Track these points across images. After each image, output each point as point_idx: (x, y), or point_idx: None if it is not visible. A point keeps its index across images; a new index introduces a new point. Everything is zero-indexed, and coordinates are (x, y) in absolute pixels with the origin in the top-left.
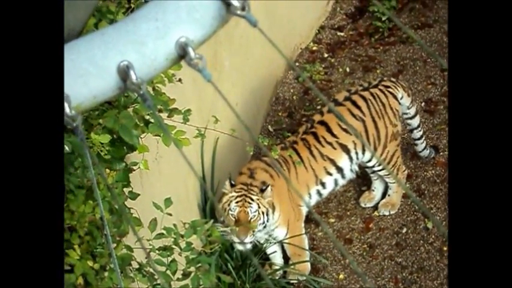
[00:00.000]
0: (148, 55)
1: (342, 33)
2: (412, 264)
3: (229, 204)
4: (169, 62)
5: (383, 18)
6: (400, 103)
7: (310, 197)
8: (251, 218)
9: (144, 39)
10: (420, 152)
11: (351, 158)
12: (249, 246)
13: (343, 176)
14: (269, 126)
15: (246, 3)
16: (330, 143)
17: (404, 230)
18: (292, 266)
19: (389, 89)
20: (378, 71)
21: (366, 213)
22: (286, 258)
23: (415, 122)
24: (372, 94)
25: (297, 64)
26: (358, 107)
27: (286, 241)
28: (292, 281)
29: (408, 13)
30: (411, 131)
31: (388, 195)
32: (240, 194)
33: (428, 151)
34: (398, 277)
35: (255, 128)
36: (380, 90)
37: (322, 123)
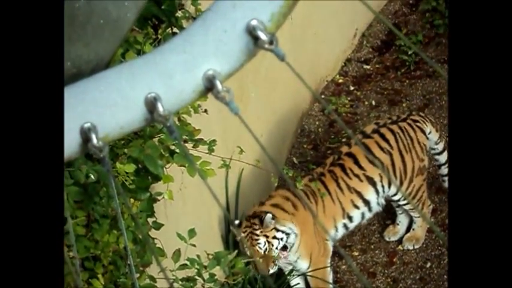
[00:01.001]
0: (175, 87)
1: (368, 66)
2: None
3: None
4: (196, 94)
5: (409, 52)
6: (428, 138)
7: (336, 230)
8: (265, 251)
9: (172, 71)
10: None
11: (377, 191)
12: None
13: (369, 210)
14: (294, 158)
15: (274, 37)
16: (357, 176)
17: (429, 264)
18: None
19: (418, 124)
20: (404, 105)
21: (390, 247)
22: None
23: (443, 158)
24: (400, 128)
25: (322, 96)
26: (386, 140)
27: (309, 273)
28: None
29: (435, 47)
30: (439, 166)
31: (413, 230)
32: (245, 233)
33: None
34: None
35: (279, 159)
36: (408, 124)
37: (350, 155)
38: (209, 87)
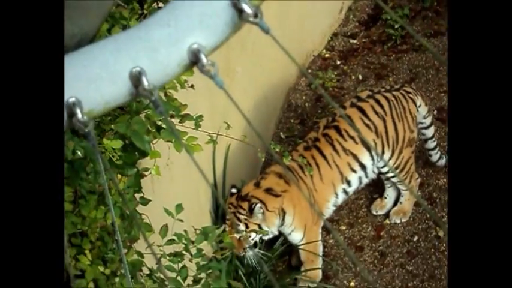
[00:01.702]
0: (160, 61)
1: (354, 41)
2: (423, 273)
3: None
4: (181, 68)
5: (396, 26)
6: (418, 110)
7: (337, 196)
8: (239, 238)
9: (157, 45)
10: (436, 162)
11: (372, 157)
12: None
13: (366, 175)
14: (281, 133)
15: (259, 10)
16: (352, 137)
17: (416, 238)
18: (303, 273)
19: (410, 95)
20: (391, 79)
21: (377, 221)
22: (296, 266)
23: (430, 132)
24: (394, 96)
25: (309, 71)
26: (381, 106)
27: (301, 246)
28: None
29: (421, 21)
30: (425, 140)
31: (400, 203)
32: (230, 210)
33: (444, 160)
34: (409, 285)
35: (266, 134)
36: (402, 94)
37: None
38: (194, 61)
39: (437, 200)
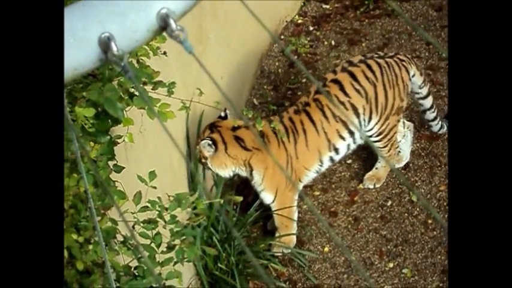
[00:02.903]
0: (129, 26)
1: (327, 6)
2: (396, 237)
3: None
4: (151, 33)
5: None
6: (410, 79)
7: (321, 164)
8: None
9: (125, 10)
10: (438, 131)
11: (360, 123)
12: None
13: (354, 141)
14: (254, 100)
15: None
16: (342, 103)
17: (389, 203)
18: (277, 239)
19: (404, 63)
20: (363, 44)
21: (350, 186)
22: (269, 231)
23: (428, 102)
24: (386, 63)
25: (282, 37)
26: (372, 71)
27: (276, 211)
28: (276, 254)
29: None
30: (424, 111)
31: (376, 169)
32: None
33: (445, 128)
34: (383, 250)
35: (240, 101)
36: (395, 61)
37: (335, 81)
38: (163, 26)
39: (411, 165)
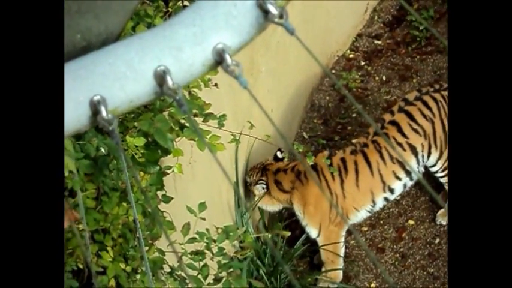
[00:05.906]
0: (185, 60)
1: (379, 42)
2: (444, 275)
3: None
4: (206, 68)
5: (420, 28)
6: None
7: (374, 204)
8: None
9: (182, 44)
10: None
11: (418, 161)
12: None
13: (411, 179)
14: (304, 133)
15: (284, 11)
16: (400, 144)
17: (438, 240)
18: (324, 273)
19: None
20: (415, 80)
21: (399, 223)
22: (316, 265)
23: None
24: (442, 96)
25: (333, 71)
26: (429, 108)
27: (322, 246)
28: None
29: (446, 23)
30: None
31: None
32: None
33: None
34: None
35: (289, 134)
36: None
37: (393, 123)
38: (219, 60)
39: None
